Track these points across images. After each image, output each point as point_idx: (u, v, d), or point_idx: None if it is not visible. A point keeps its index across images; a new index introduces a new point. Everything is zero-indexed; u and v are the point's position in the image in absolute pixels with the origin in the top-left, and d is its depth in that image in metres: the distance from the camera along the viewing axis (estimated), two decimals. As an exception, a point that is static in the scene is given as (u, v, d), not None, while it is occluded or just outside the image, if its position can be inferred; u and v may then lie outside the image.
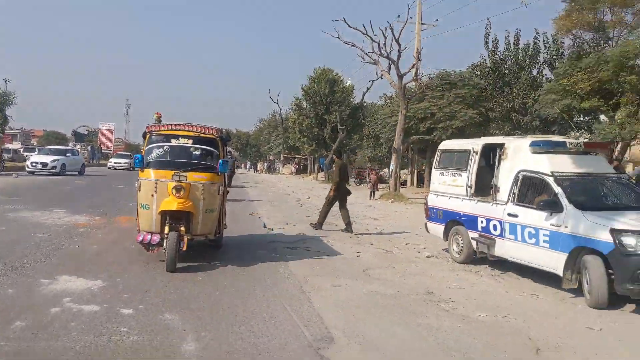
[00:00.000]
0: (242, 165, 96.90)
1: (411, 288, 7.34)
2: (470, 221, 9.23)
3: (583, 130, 23.14)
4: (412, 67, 25.70)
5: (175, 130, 8.30)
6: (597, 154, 10.12)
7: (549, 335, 5.50)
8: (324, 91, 47.76)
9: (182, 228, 7.67)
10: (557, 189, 7.58)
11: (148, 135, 8.48)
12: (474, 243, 9.08)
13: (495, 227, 8.58)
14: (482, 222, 8.92)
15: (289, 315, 5.75)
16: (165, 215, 7.68)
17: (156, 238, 7.75)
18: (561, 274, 7.22)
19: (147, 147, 8.38)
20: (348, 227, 12.61)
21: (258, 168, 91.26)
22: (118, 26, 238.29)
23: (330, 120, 46.97)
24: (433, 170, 10.96)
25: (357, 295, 6.78)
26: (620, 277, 6.52)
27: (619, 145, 18.72)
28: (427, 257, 9.97)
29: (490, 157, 9.43)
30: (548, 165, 8.02)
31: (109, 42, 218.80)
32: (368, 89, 59.93)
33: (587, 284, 6.83)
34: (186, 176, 7.77)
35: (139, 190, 7.90)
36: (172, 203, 7.61)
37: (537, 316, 6.25)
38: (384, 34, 24.41)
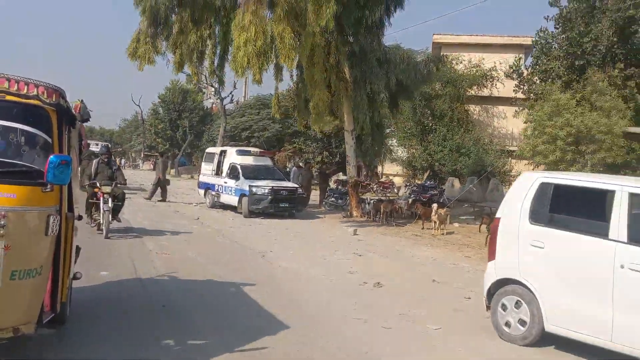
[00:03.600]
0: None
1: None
2: (212, 185, 19.14)
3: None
4: (230, 94, 35.78)
5: None
6: (265, 156, 20.30)
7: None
8: (177, 100, 56.31)
9: None
10: (240, 170, 17.70)
11: None
12: (213, 197, 19.04)
13: (220, 187, 18.55)
14: (216, 186, 18.86)
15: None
16: None
17: None
18: (237, 205, 17.35)
19: None
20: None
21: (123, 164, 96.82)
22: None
23: (182, 125, 55.73)
24: (203, 163, 20.88)
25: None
26: (250, 203, 16.75)
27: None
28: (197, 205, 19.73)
29: (223, 155, 19.45)
30: (240, 160, 18.17)
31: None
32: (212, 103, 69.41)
33: (241, 204, 17.04)
34: None
35: None
36: None
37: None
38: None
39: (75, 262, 5.03)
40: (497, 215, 5.96)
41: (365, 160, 20.65)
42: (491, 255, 5.90)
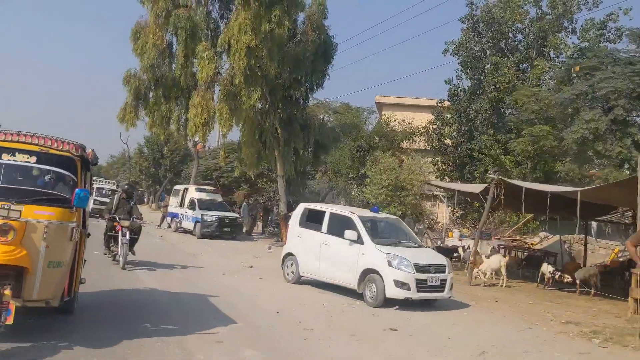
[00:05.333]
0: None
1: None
2: (177, 214, 25.19)
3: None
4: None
5: (12, 142, 5.76)
6: (217, 193, 26.51)
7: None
8: (160, 140, 62.69)
9: (7, 290, 5.16)
10: (197, 203, 23.80)
11: None
12: (176, 223, 25.06)
13: (182, 216, 24.61)
14: (179, 215, 24.91)
15: None
16: None
17: None
18: (192, 230, 23.44)
19: None
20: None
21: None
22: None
23: (164, 163, 61.98)
24: (171, 197, 27.05)
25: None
26: (202, 227, 22.91)
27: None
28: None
29: (186, 191, 25.59)
30: (197, 195, 24.35)
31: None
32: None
33: (195, 228, 23.19)
34: (19, 210, 5.31)
35: None
36: None
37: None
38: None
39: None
40: (290, 222, 12.29)
41: (293, 198, 27.01)
42: (285, 241, 12.21)
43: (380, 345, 7.09)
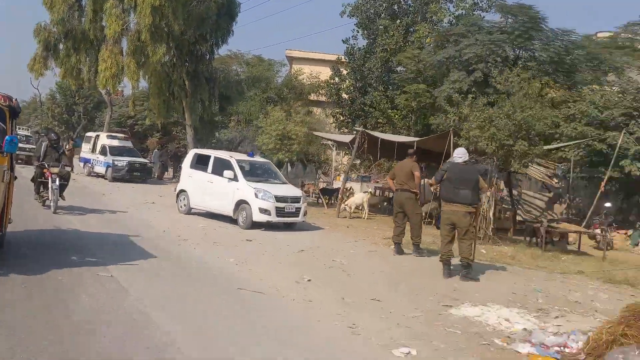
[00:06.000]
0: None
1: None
2: (89, 160, 26.91)
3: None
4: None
5: None
6: (128, 140, 28.46)
7: (82, 180, 23.38)
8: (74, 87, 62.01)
9: None
10: (108, 149, 25.65)
11: None
12: (89, 168, 26.81)
13: (94, 161, 26.40)
14: (92, 160, 26.67)
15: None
16: None
17: None
18: (104, 174, 25.39)
19: None
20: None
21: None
22: None
23: (77, 110, 61.58)
24: (83, 143, 28.61)
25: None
26: (113, 171, 24.96)
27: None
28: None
29: (97, 138, 27.30)
30: (108, 142, 26.14)
31: None
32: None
33: (107, 173, 25.22)
34: None
35: None
36: None
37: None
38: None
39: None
40: (183, 165, 14.92)
41: (199, 145, 29.43)
42: (178, 181, 14.86)
43: (235, 248, 10.05)
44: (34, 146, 24.00)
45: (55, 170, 12.33)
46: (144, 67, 22.64)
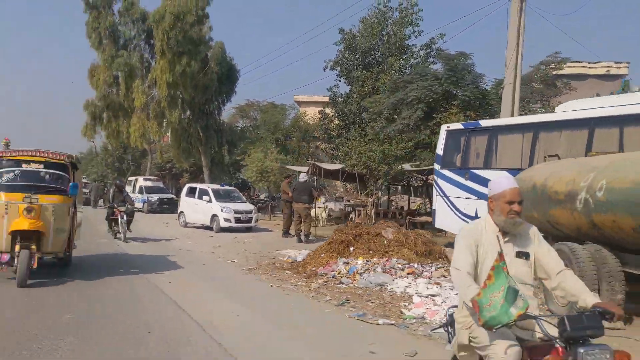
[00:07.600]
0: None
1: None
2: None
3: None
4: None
5: (27, 155, 8.92)
6: (159, 180, 36.22)
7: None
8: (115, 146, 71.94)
9: (33, 246, 8.25)
10: (143, 189, 33.51)
11: None
12: (131, 204, 34.78)
13: (135, 199, 34.36)
14: (133, 198, 34.66)
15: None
16: (16, 235, 8.20)
17: (6, 256, 8.27)
18: (141, 208, 33.22)
19: None
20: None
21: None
22: None
23: (126, 159, 71.20)
24: (126, 185, 36.73)
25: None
26: (148, 205, 32.74)
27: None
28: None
29: (136, 181, 35.28)
30: (144, 183, 34.08)
31: None
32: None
33: (144, 207, 33.06)
34: (37, 198, 8.35)
35: None
36: (24, 223, 8.16)
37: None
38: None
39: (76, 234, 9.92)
40: (181, 195, 22.32)
41: (215, 182, 37.02)
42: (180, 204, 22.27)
43: (198, 240, 17.07)
44: (86, 190, 32.06)
45: (123, 208, 15.56)
46: (165, 127, 30.57)
